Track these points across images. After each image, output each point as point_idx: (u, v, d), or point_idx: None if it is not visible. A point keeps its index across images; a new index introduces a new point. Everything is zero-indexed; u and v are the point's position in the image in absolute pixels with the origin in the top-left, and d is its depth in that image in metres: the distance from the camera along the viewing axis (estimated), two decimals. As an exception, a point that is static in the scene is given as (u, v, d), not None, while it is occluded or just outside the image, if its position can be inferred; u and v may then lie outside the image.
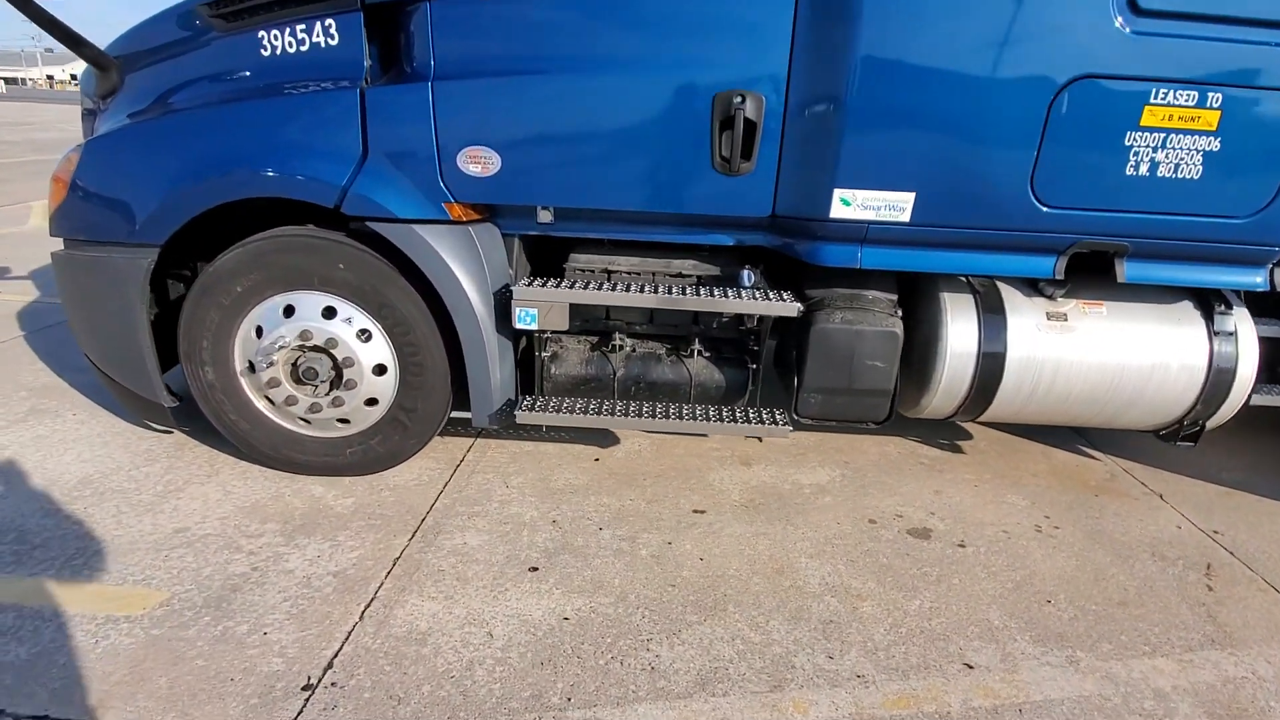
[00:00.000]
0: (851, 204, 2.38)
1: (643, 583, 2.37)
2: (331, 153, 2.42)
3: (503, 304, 2.60)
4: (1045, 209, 2.36)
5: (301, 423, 2.80)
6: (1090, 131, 2.25)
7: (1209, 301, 2.65)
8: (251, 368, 2.69)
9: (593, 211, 2.59)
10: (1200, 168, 2.27)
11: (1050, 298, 2.69)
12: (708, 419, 2.67)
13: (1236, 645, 2.22)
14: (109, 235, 2.55)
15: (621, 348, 2.86)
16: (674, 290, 2.60)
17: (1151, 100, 2.20)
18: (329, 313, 2.62)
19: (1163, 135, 2.24)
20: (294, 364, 2.67)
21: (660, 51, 2.30)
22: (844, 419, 2.84)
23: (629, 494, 2.91)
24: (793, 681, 1.98)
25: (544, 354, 2.81)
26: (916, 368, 2.78)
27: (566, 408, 2.71)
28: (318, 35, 2.40)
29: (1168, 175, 2.29)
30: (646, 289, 2.59)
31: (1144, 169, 2.29)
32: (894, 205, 2.38)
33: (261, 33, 2.44)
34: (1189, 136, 2.23)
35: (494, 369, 2.69)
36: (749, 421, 2.67)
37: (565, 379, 2.88)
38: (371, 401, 2.75)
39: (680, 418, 2.67)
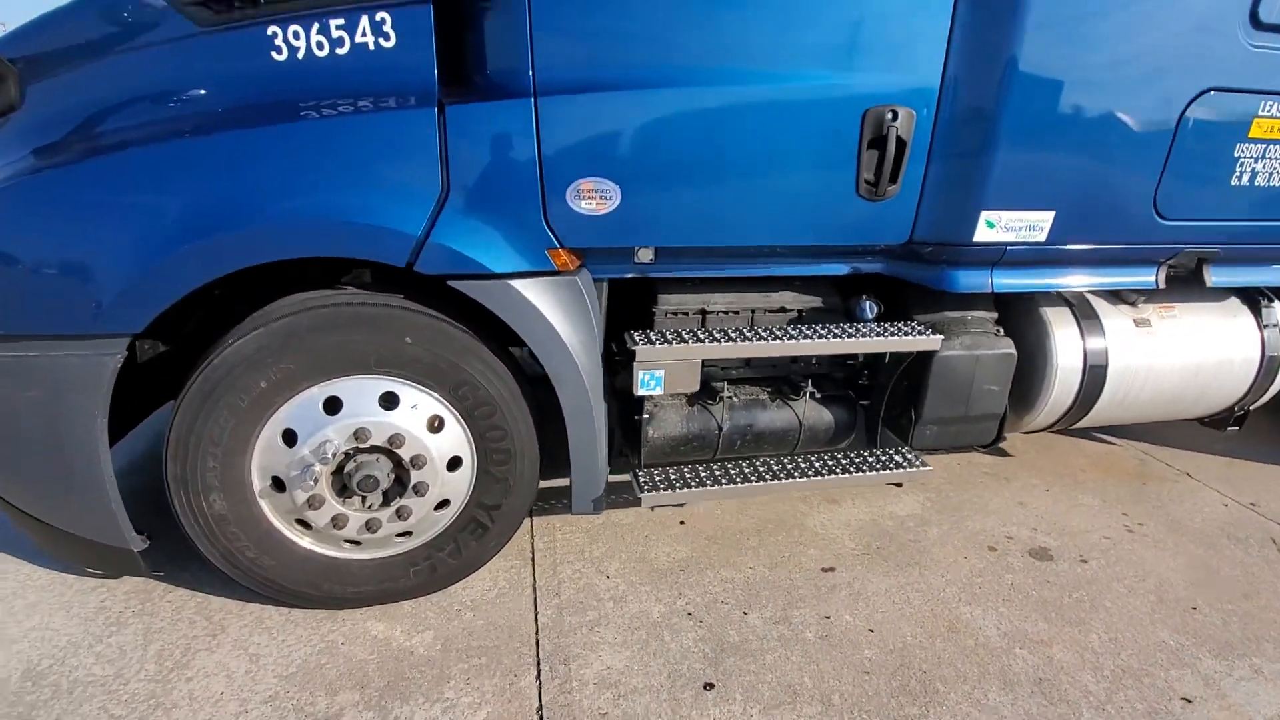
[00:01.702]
0: (995, 226, 2.22)
1: (834, 676, 2.06)
2: (400, 192, 1.81)
3: (615, 367, 2.14)
4: (1163, 221, 2.35)
5: (348, 545, 2.13)
6: (1208, 144, 2.26)
7: (1255, 298, 2.84)
8: (278, 485, 1.98)
9: (704, 249, 2.20)
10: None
11: (1133, 304, 2.74)
12: (849, 471, 2.40)
13: (1356, 621, 2.38)
14: (45, 326, 1.72)
15: (723, 398, 2.50)
16: (809, 332, 2.29)
17: (1260, 112, 2.25)
18: (388, 401, 1.99)
19: (1264, 146, 2.31)
20: (342, 471, 2.01)
21: (808, 59, 1.96)
22: (955, 447, 2.71)
23: (744, 561, 2.57)
24: (1060, 767, 1.79)
25: (644, 417, 2.36)
26: (1023, 386, 2.71)
27: (695, 479, 2.30)
28: (364, 34, 1.77)
29: (1264, 184, 2.37)
30: (785, 334, 2.26)
31: (1245, 179, 2.35)
32: (1035, 225, 2.25)
33: (273, 29, 1.75)
34: (1282, 147, 2.33)
35: (600, 445, 2.21)
36: (887, 467, 2.44)
37: (664, 442, 2.46)
38: (443, 504, 2.15)
39: (821, 474, 2.37)
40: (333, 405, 1.96)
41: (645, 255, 2.20)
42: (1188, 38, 2.11)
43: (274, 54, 1.76)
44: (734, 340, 2.18)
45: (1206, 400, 2.90)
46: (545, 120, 1.82)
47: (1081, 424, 2.88)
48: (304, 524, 2.07)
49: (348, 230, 1.79)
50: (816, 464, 2.40)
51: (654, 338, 2.18)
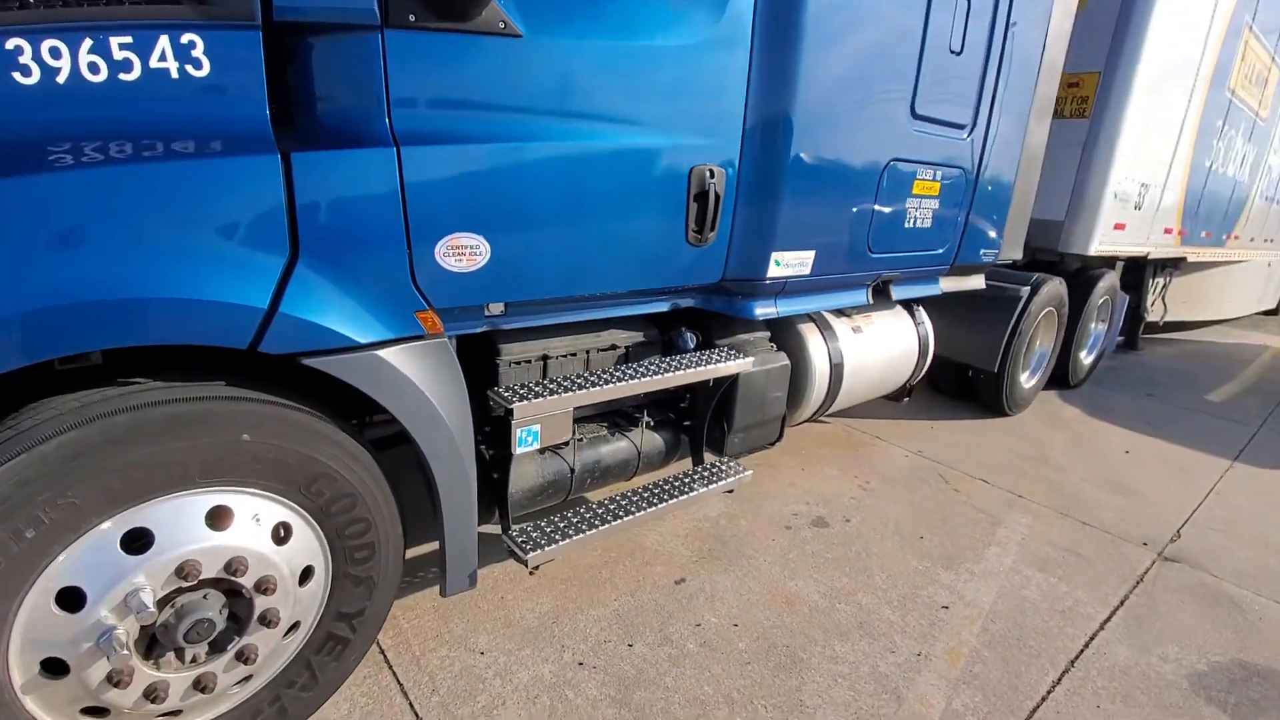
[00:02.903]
0: (781, 264, 2.69)
1: (725, 676, 2.27)
2: (233, 258, 1.45)
3: (496, 427, 2.02)
4: (872, 254, 3.12)
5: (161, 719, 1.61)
6: (893, 199, 3.07)
7: (911, 307, 3.93)
8: (54, 668, 1.41)
9: (547, 302, 2.22)
10: (930, 220, 3.37)
11: (850, 316, 3.55)
12: (692, 489, 2.63)
13: (1004, 515, 3.48)
14: None
15: (571, 440, 2.52)
16: (662, 367, 2.46)
17: (919, 176, 3.15)
18: (216, 519, 1.57)
19: (919, 200, 3.23)
20: (155, 627, 1.52)
21: (652, 122, 2.13)
22: (753, 449, 3.16)
23: (605, 596, 2.63)
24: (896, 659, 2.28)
25: (509, 476, 2.26)
26: (793, 388, 3.29)
27: (564, 529, 2.28)
28: (162, 58, 1.38)
29: (919, 227, 3.32)
30: (640, 373, 2.38)
31: (911, 223, 3.26)
32: (803, 262, 2.79)
33: (16, 42, 1.25)
34: (928, 200, 3.29)
35: (474, 517, 2.06)
36: (719, 479, 2.75)
37: (525, 495, 2.38)
38: (293, 628, 1.77)
39: (671, 498, 2.56)
40: (138, 543, 1.46)
41: (496, 309, 2.11)
42: (884, 126, 2.85)
43: (16, 75, 1.26)
44: (599, 385, 2.24)
45: (893, 380, 3.90)
46: (410, 171, 1.65)
47: (828, 412, 3.61)
48: (95, 712, 1.50)
49: (163, 312, 1.37)
50: (663, 491, 2.59)
51: (522, 393, 2.11)
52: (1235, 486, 4.18)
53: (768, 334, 3.16)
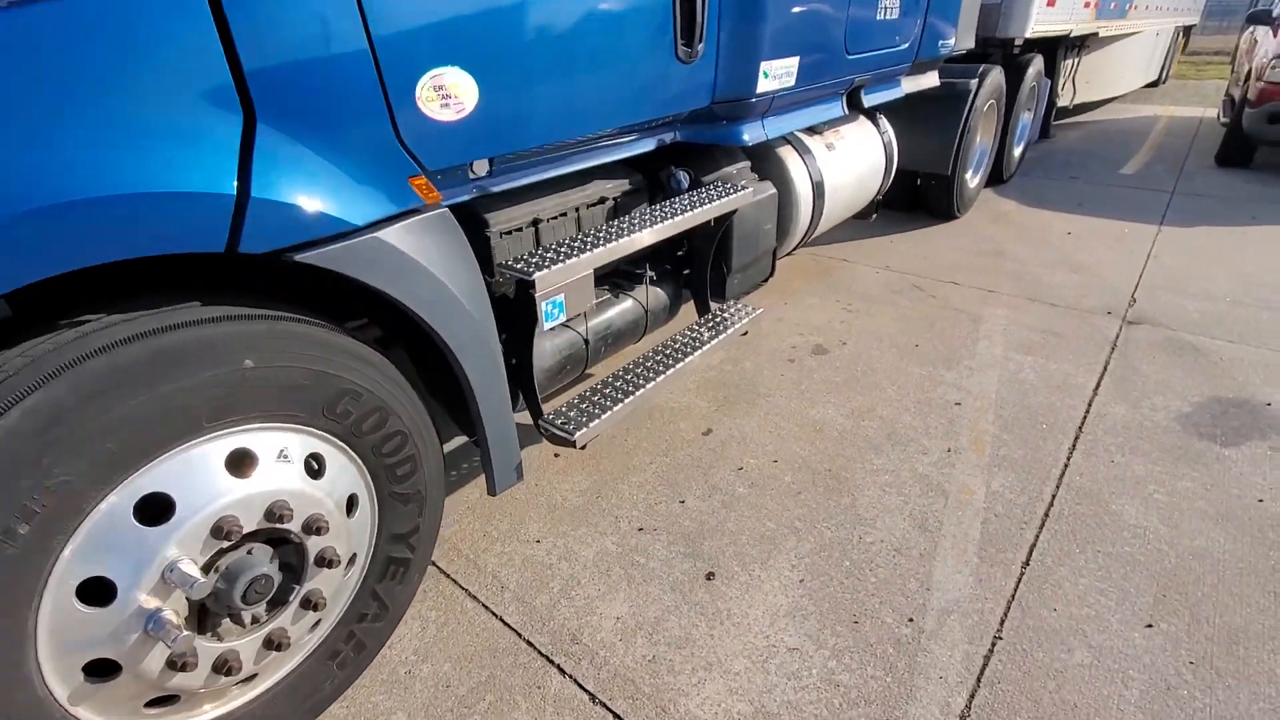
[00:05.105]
0: (769, 75, 2.41)
1: (780, 509, 2.29)
2: (180, 131, 1.07)
3: (510, 304, 1.77)
4: (849, 57, 2.86)
5: (237, 689, 1.44)
6: (865, -8, 2.78)
7: (874, 116, 3.73)
8: (105, 670, 1.18)
9: (537, 151, 1.89)
10: (898, 11, 3.10)
11: (822, 134, 3.33)
12: (713, 339, 2.50)
13: (982, 310, 3.59)
14: None
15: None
16: (665, 214, 2.21)
17: (885, -40, 2.83)
18: (239, 464, 1.31)
19: (889, -11, 2.94)
20: (207, 598, 1.29)
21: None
22: (749, 289, 3.03)
23: (640, 461, 2.57)
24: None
25: (532, 355, 2.04)
26: (780, 217, 3.12)
27: (599, 403, 2.12)
28: None
29: (888, 19, 3.05)
30: (647, 220, 2.13)
31: (881, 15, 2.99)
32: (789, 71, 2.51)
33: None
34: (894, -15, 3.00)
35: (508, 405, 1.86)
36: (734, 324, 2.62)
37: (547, 376, 2.18)
38: (349, 562, 1.59)
39: (693, 350, 2.42)
40: (154, 509, 1.19)
41: (481, 168, 1.78)
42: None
43: None
44: (613, 239, 1.98)
45: (865, 195, 3.80)
46: (367, -14, 1.24)
47: (811, 238, 3.50)
48: (162, 702, 1.30)
49: (109, 213, 1.00)
50: (680, 348, 2.44)
51: (536, 262, 1.84)
52: (1167, 248, 4.47)
53: (749, 164, 2.92)
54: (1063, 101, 7.44)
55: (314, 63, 1.22)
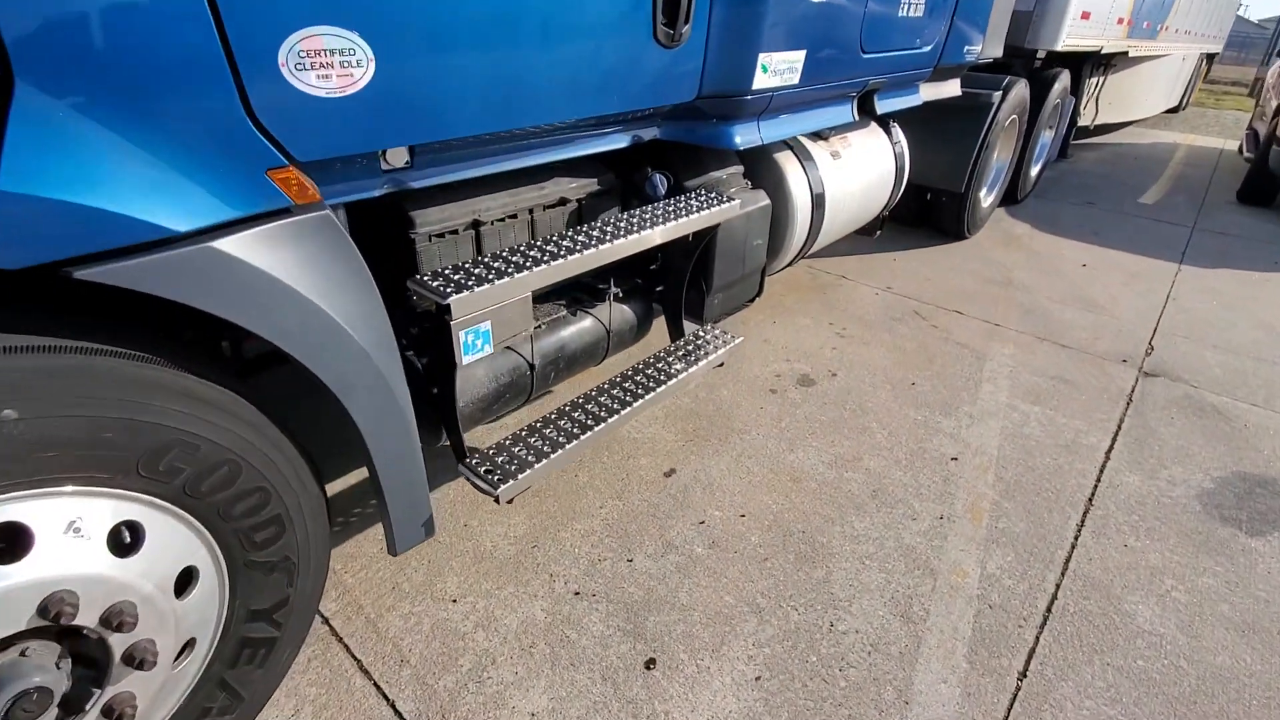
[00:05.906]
0: (769, 70, 2.05)
1: (744, 579, 1.97)
2: None
3: (427, 328, 1.42)
4: (865, 55, 2.51)
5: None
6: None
7: (887, 123, 3.38)
8: None
9: (474, 141, 1.53)
10: (923, 8, 2.74)
11: (827, 140, 2.98)
12: (681, 371, 2.16)
13: (987, 347, 3.27)
14: None
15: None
16: (628, 227, 1.85)
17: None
18: (8, 541, 0.97)
19: (912, -19, 2.58)
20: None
21: None
22: (731, 311, 2.70)
23: (588, 505, 2.23)
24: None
25: (454, 388, 1.69)
26: (774, 230, 2.78)
27: (536, 449, 1.78)
28: None
29: (911, 15, 2.69)
30: (606, 234, 1.78)
31: (903, 11, 2.63)
32: (792, 66, 2.15)
33: None
34: (920, -18, 2.64)
35: (418, 451, 1.52)
36: (709, 353, 2.28)
37: (476, 409, 1.84)
38: (185, 650, 1.25)
39: (660, 383, 2.08)
40: None
41: (398, 158, 1.43)
42: None
43: None
44: (561, 256, 1.63)
45: (870, 210, 3.45)
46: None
47: (807, 255, 3.16)
48: None
49: None
50: (647, 379, 2.11)
51: (458, 279, 1.49)
52: (1187, 290, 4.16)
53: (741, 169, 2.57)
54: (1084, 121, 7.10)
55: (114, 6, 0.87)
